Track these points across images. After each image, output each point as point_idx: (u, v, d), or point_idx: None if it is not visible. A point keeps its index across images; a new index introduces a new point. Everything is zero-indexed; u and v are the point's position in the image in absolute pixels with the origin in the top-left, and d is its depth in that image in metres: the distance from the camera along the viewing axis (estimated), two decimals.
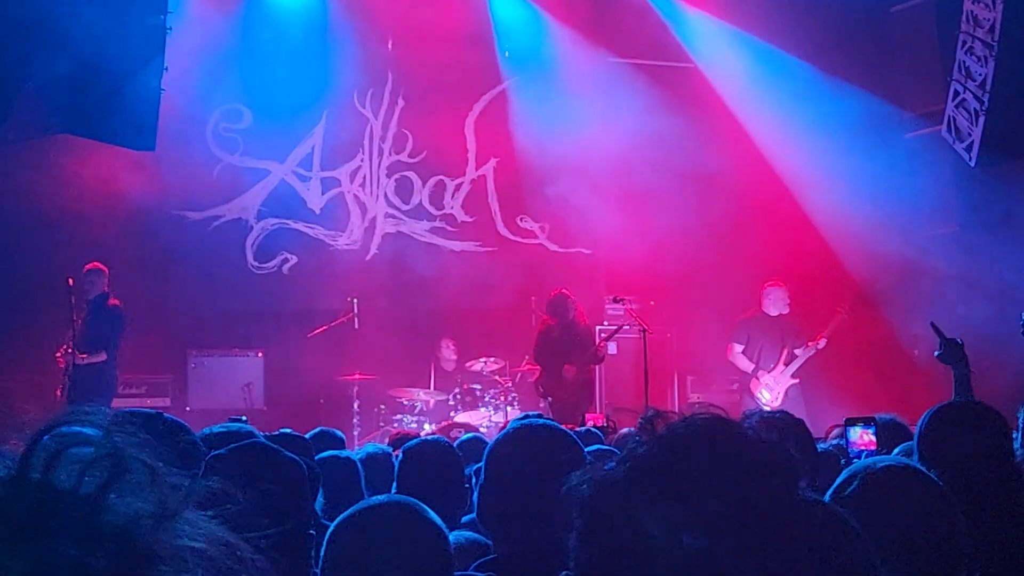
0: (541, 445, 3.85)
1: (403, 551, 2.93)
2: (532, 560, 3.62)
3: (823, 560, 1.52)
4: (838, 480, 3.25)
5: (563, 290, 15.44)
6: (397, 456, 6.11)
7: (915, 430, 4.60)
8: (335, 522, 3.14)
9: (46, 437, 1.10)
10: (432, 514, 3.11)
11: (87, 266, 13.62)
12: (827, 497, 3.15)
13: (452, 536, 3.74)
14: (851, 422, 6.16)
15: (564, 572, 1.65)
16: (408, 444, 5.78)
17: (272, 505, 3.00)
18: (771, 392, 14.54)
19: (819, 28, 16.50)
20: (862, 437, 6.04)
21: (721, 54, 17.69)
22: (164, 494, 1.11)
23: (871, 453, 5.75)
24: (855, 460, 5.34)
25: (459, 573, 3.55)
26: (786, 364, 14.59)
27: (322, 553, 3.04)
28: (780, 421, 5.25)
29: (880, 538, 3.03)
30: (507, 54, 18.19)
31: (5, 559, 1.01)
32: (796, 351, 14.58)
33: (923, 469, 3.31)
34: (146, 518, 1.08)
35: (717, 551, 1.44)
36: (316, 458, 5.32)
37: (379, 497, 3.42)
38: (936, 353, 7.45)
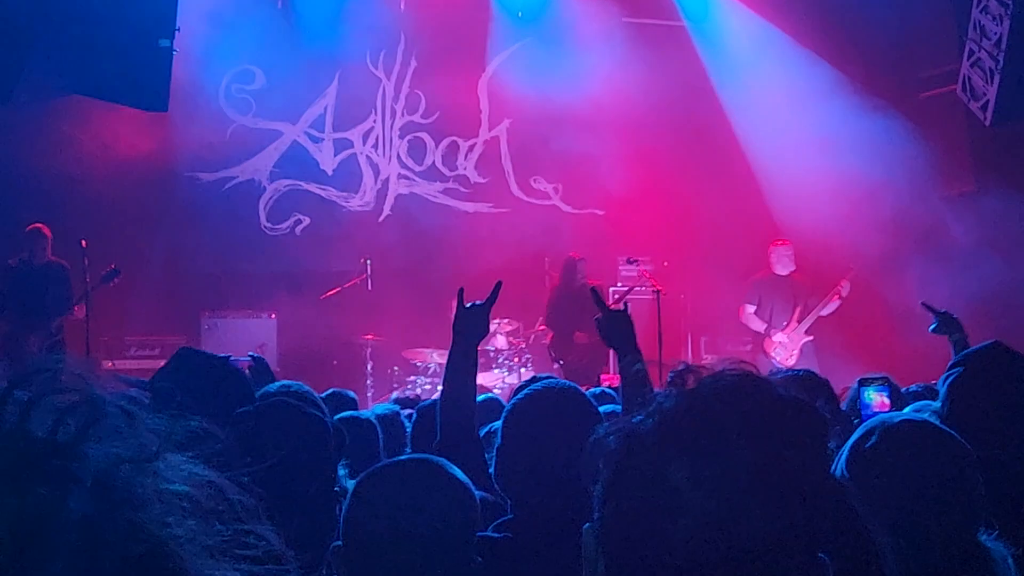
0: (559, 407, 3.85)
1: (429, 506, 2.92)
2: (549, 520, 3.62)
3: (844, 521, 1.52)
4: (856, 434, 3.24)
5: (572, 253, 15.43)
6: (409, 416, 6.11)
7: (940, 384, 4.56)
8: (359, 478, 3.12)
9: (18, 388, 1.09)
10: (458, 471, 3.10)
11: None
12: (846, 451, 3.14)
13: None
14: (865, 382, 6.11)
15: (587, 524, 1.65)
16: (423, 404, 5.77)
17: (298, 462, 2.99)
18: (785, 351, 14.53)
19: None
20: (876, 398, 6.00)
21: (727, 12, 17.60)
22: (143, 438, 1.10)
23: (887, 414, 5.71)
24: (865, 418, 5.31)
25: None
26: (799, 322, 14.58)
27: (344, 508, 3.02)
28: (807, 380, 5.21)
29: (900, 491, 3.02)
30: (520, 14, 18.10)
31: None
32: (810, 308, 14.54)
33: (938, 423, 3.31)
34: (125, 463, 1.07)
35: (744, 505, 1.45)
36: (334, 419, 5.32)
37: (403, 455, 3.41)
38: (931, 328, 7.54)
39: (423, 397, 11.31)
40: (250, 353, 6.69)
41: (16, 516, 1.00)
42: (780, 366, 13.92)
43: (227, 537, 1.14)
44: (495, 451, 3.84)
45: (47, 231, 13.34)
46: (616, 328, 5.23)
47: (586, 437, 3.51)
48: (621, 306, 5.42)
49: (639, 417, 1.58)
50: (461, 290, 5.20)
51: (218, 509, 1.12)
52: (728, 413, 1.51)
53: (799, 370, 5.87)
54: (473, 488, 3.13)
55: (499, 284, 5.30)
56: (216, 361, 4.84)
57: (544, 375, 6.20)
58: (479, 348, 4.98)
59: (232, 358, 5.22)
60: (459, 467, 3.42)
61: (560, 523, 3.58)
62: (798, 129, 16.56)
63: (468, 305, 5.08)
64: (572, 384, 4.13)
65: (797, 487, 1.47)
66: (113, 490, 1.05)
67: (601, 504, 1.60)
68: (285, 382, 4.96)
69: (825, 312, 14.57)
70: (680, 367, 1.62)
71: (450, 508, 2.97)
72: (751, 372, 1.59)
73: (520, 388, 4.20)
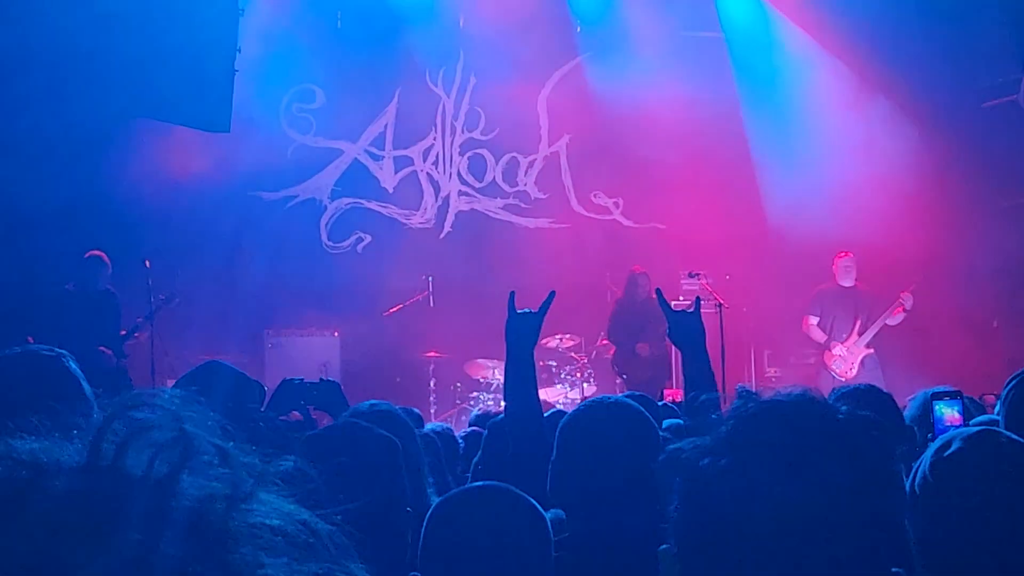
0: (611, 423, 3.83)
1: (503, 536, 2.91)
2: (603, 537, 3.60)
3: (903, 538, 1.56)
4: (935, 444, 3.21)
5: (634, 267, 15.41)
6: (476, 432, 6.10)
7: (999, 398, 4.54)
8: (434, 505, 3.13)
9: (115, 422, 1.08)
10: (530, 499, 3.09)
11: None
12: (927, 460, 3.12)
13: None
14: (937, 396, 6.05)
15: (664, 546, 1.66)
16: (494, 420, 5.76)
17: (363, 483, 2.99)
18: (844, 363, 14.43)
19: None
20: (948, 412, 5.93)
21: (793, 24, 17.53)
22: (237, 476, 1.09)
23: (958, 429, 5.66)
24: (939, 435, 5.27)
25: None
26: (859, 334, 14.47)
27: (421, 538, 3.03)
28: (868, 394, 5.17)
29: (980, 499, 2.99)
30: (579, 29, 18.09)
31: (79, 552, 0.99)
32: (872, 321, 14.44)
33: (1007, 433, 3.29)
34: (219, 500, 1.06)
35: (818, 515, 1.47)
36: None
37: (476, 483, 3.40)
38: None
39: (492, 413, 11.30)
40: (320, 377, 6.71)
41: (107, 559, 0.99)
42: (840, 379, 13.87)
43: None
44: (549, 466, 3.83)
45: (106, 258, 13.40)
46: (686, 328, 5.24)
47: (640, 452, 3.45)
48: (692, 306, 5.40)
49: (710, 435, 1.60)
50: (512, 294, 5.21)
51: (311, 548, 1.11)
52: (802, 424, 1.54)
53: (861, 385, 5.82)
54: (544, 514, 3.12)
55: (552, 294, 5.32)
56: (235, 372, 4.88)
57: (626, 392, 6.17)
58: (539, 364, 5.00)
59: (302, 380, 5.24)
60: (534, 477, 3.41)
61: (614, 539, 3.56)
62: (861, 139, 16.47)
63: (520, 312, 5.09)
64: (626, 399, 4.11)
65: (865, 501, 1.49)
66: (207, 530, 1.04)
67: (677, 517, 1.62)
68: (373, 402, 4.98)
69: (891, 322, 14.45)
70: (744, 386, 1.67)
71: (526, 537, 2.96)
72: (815, 393, 1.62)
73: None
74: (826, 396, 1.71)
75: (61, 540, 0.99)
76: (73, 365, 3.57)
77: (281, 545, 1.08)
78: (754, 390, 1.67)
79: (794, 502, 1.48)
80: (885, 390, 6.07)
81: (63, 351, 3.64)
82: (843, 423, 1.56)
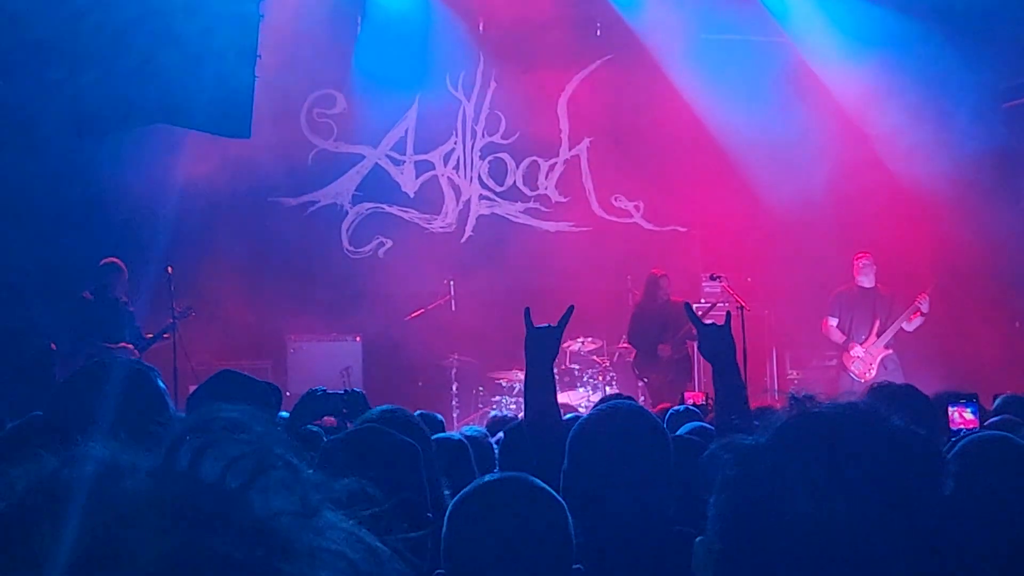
0: (623, 429, 3.82)
1: (524, 525, 2.92)
2: (614, 544, 3.60)
3: (950, 550, 1.55)
4: (952, 451, 3.20)
5: (654, 270, 15.39)
6: (495, 440, 6.10)
7: None
8: (453, 501, 3.13)
9: (193, 430, 1.13)
10: (549, 489, 3.10)
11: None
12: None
13: None
14: (952, 399, 6.01)
15: (700, 538, 1.68)
16: (511, 425, 5.75)
17: (384, 489, 2.99)
18: (863, 364, 14.42)
19: None
20: (963, 416, 5.90)
21: (812, 27, 17.49)
22: (306, 493, 1.13)
23: (972, 432, 5.61)
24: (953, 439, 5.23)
25: None
26: (878, 335, 14.45)
27: (444, 532, 3.03)
28: (906, 396, 5.13)
29: (980, 502, 2.98)
30: (599, 32, 18.09)
31: (151, 549, 1.03)
32: (890, 322, 14.42)
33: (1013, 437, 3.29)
34: (286, 515, 1.10)
35: (862, 522, 1.49)
36: None
37: (494, 474, 3.41)
38: None
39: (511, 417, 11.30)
40: (345, 387, 6.73)
41: (178, 557, 1.03)
42: (859, 380, 13.89)
43: None
44: (561, 474, 3.83)
45: (122, 265, 13.41)
46: (716, 343, 5.05)
47: (650, 459, 3.47)
48: (716, 320, 5.36)
49: (754, 436, 1.63)
50: (527, 310, 5.20)
51: (371, 571, 1.13)
52: (849, 431, 1.56)
53: (899, 385, 5.76)
54: (564, 503, 3.13)
55: (571, 308, 5.29)
56: (248, 379, 4.90)
57: (625, 396, 6.15)
58: (561, 367, 5.02)
59: (325, 390, 5.27)
60: (556, 489, 3.40)
61: (625, 546, 3.56)
62: (880, 139, 16.44)
63: (539, 327, 5.08)
64: (638, 406, 4.10)
65: (913, 510, 1.50)
66: (270, 540, 1.07)
67: (716, 516, 1.64)
68: (387, 407, 4.98)
69: (909, 328, 14.43)
70: (795, 391, 1.66)
71: (548, 523, 2.97)
72: (869, 403, 1.63)
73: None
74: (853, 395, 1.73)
75: (130, 536, 1.04)
76: (160, 381, 3.67)
77: (341, 565, 1.11)
78: (810, 394, 1.68)
79: (838, 511, 1.50)
80: None
81: (152, 367, 3.74)
82: (898, 439, 1.58)
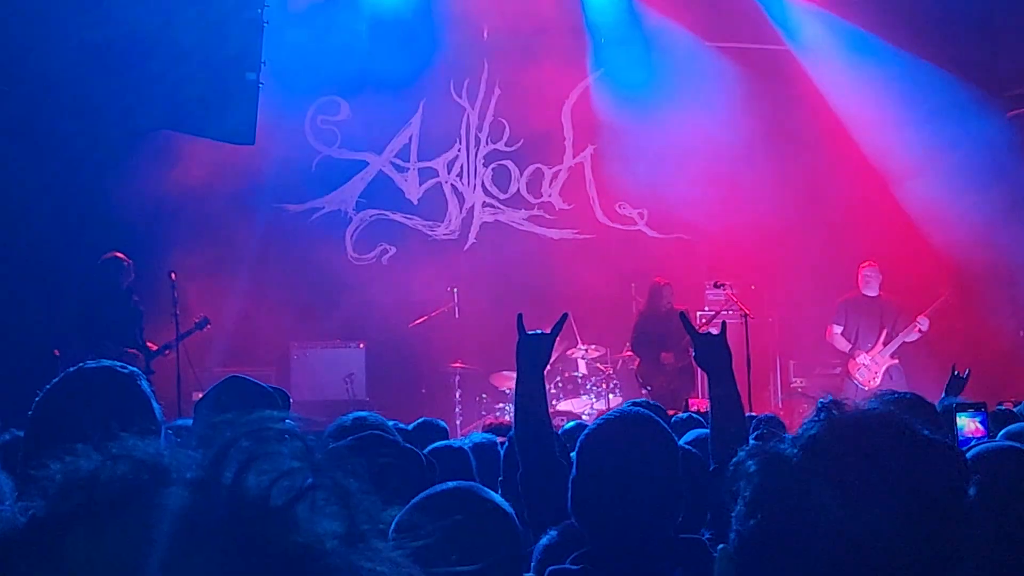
0: (633, 436, 3.80)
1: (467, 534, 2.90)
2: (625, 551, 3.58)
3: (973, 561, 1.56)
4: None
5: (657, 278, 15.39)
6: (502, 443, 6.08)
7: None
8: (399, 514, 3.12)
9: (246, 436, 1.09)
10: (495, 496, 3.09)
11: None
12: None
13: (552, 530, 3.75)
14: (960, 408, 5.97)
15: (722, 546, 1.68)
16: (512, 432, 5.73)
17: (391, 499, 2.98)
18: (868, 372, 14.47)
19: (916, 9, 16.26)
20: (970, 424, 5.86)
21: (815, 36, 17.50)
22: (355, 517, 1.09)
23: (980, 441, 5.58)
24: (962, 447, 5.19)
25: (553, 567, 3.53)
26: (885, 344, 14.46)
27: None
28: (913, 406, 5.10)
29: (994, 513, 2.97)
30: (603, 40, 18.09)
31: (190, 566, 1.01)
32: (897, 332, 14.44)
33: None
34: (333, 539, 1.06)
35: (896, 532, 1.49)
36: (427, 450, 5.29)
37: (441, 485, 3.39)
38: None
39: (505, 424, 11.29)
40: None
41: (214, 571, 1.02)
42: (863, 388, 13.91)
43: None
44: (570, 481, 3.81)
45: (126, 259, 13.39)
46: (711, 352, 5.08)
47: (660, 465, 3.47)
48: (717, 328, 5.35)
49: (780, 443, 1.64)
50: (520, 316, 5.19)
51: None
52: (879, 441, 1.56)
53: (907, 394, 5.74)
54: (510, 510, 3.12)
55: (565, 315, 5.29)
56: (256, 386, 4.90)
57: (642, 400, 6.15)
58: (565, 375, 5.01)
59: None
60: (543, 497, 3.37)
61: (635, 554, 3.54)
62: (886, 149, 16.44)
63: (531, 333, 5.08)
64: (647, 412, 4.07)
65: (939, 521, 1.51)
66: (315, 565, 1.04)
67: (742, 523, 1.63)
68: (358, 413, 4.97)
69: (909, 340, 14.46)
70: (828, 400, 1.66)
71: (494, 536, 2.96)
72: (896, 411, 1.64)
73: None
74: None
75: (172, 547, 1.01)
76: (144, 384, 3.62)
77: None
78: (838, 400, 1.67)
79: (872, 521, 1.50)
80: None
81: (136, 369, 3.69)
82: (930, 448, 1.58)
